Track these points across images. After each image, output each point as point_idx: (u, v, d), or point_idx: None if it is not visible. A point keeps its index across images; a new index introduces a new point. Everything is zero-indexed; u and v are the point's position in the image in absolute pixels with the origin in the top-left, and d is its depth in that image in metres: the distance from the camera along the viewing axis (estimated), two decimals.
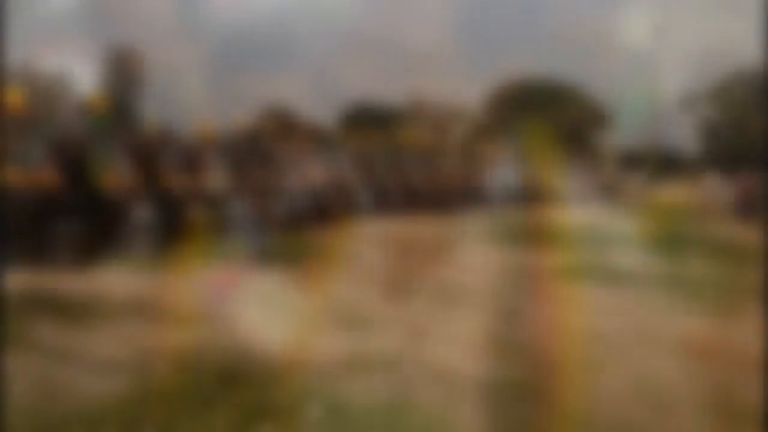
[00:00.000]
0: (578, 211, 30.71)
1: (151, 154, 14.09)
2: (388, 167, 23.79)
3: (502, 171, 30.24)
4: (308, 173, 19.57)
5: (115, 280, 10.29)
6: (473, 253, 15.48)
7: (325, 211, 19.81)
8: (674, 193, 50.15)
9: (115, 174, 12.52)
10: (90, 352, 6.47)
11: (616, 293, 11.07)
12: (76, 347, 6.58)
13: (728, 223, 25.37)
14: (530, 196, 31.27)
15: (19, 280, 9.50)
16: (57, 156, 12.03)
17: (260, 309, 8.82)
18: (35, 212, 10.57)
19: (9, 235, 10.66)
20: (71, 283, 9.61)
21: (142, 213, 12.72)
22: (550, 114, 49.90)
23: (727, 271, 13.72)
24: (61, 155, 12.23)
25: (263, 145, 19.15)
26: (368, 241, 17.10)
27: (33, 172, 10.64)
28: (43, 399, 5.07)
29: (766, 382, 6.28)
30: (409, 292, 10.33)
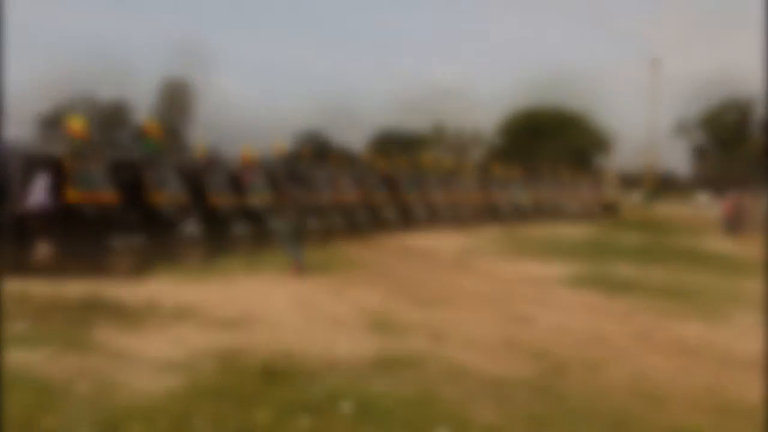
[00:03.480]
0: (583, 226, 30.45)
1: (200, 175, 14.11)
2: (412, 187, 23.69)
3: (514, 190, 30.06)
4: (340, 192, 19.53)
5: (167, 288, 10.24)
6: (488, 264, 15.31)
7: (355, 226, 19.74)
8: (669, 210, 49.64)
9: (167, 193, 12.52)
10: (144, 353, 6.40)
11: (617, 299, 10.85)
12: (131, 348, 6.52)
13: (717, 237, 25.02)
14: (539, 212, 31.08)
15: (81, 287, 9.51)
16: (116, 176, 12.07)
17: (298, 313, 8.74)
18: (96, 227, 10.58)
19: (73, 247, 10.67)
20: (128, 291, 9.58)
21: (192, 228, 12.69)
22: (558, 139, 49.71)
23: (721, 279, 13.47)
24: (119, 176, 12.28)
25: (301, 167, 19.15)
26: (393, 252, 17.00)
27: (94, 191, 10.66)
28: (103, 395, 4.99)
29: (766, 382, 6.06)
30: (432, 298, 10.21)
